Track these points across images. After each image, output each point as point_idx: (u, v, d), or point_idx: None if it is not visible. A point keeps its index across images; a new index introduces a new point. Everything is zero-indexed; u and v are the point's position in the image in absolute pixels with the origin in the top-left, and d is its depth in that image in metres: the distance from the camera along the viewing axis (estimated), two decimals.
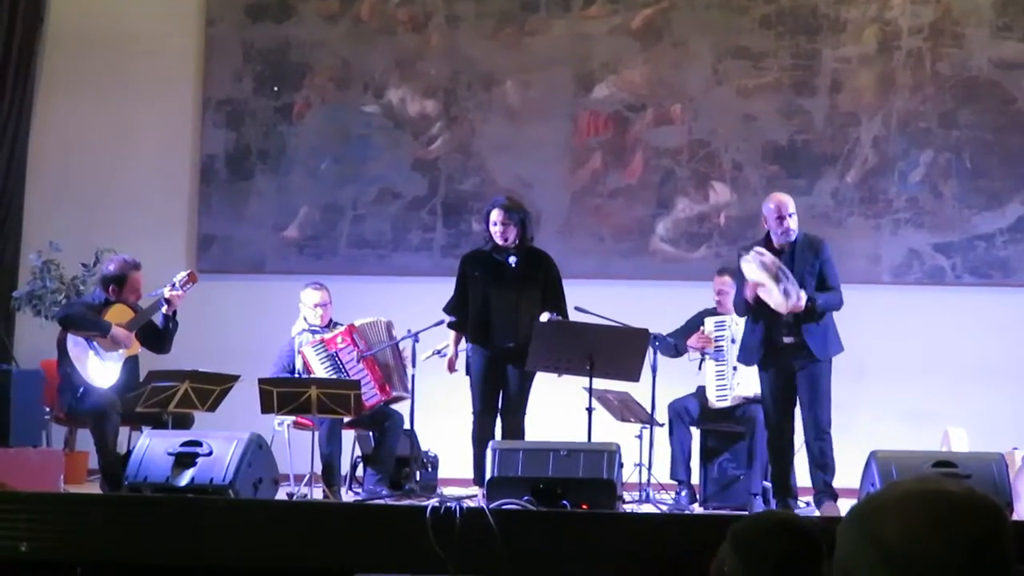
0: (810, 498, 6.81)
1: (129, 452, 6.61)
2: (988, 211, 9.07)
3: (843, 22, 9.22)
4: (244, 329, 8.88)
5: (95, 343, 7.32)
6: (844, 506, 6.52)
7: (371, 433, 7.60)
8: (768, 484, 6.98)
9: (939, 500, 1.60)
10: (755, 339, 6.73)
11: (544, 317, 6.95)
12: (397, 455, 7.47)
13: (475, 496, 6.45)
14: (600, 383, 6.92)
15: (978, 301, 8.97)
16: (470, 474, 7.04)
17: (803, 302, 6.50)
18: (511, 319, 7.01)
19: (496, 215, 7.07)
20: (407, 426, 7.43)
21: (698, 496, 7.33)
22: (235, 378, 6.89)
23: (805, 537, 2.60)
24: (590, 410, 6.78)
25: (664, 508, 6.89)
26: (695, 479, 7.37)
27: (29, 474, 6.55)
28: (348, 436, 7.65)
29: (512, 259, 7.09)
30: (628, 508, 6.46)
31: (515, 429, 6.99)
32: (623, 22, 9.32)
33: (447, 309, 7.24)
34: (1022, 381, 8.69)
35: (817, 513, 6.55)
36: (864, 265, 8.95)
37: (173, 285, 7.39)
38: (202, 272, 8.04)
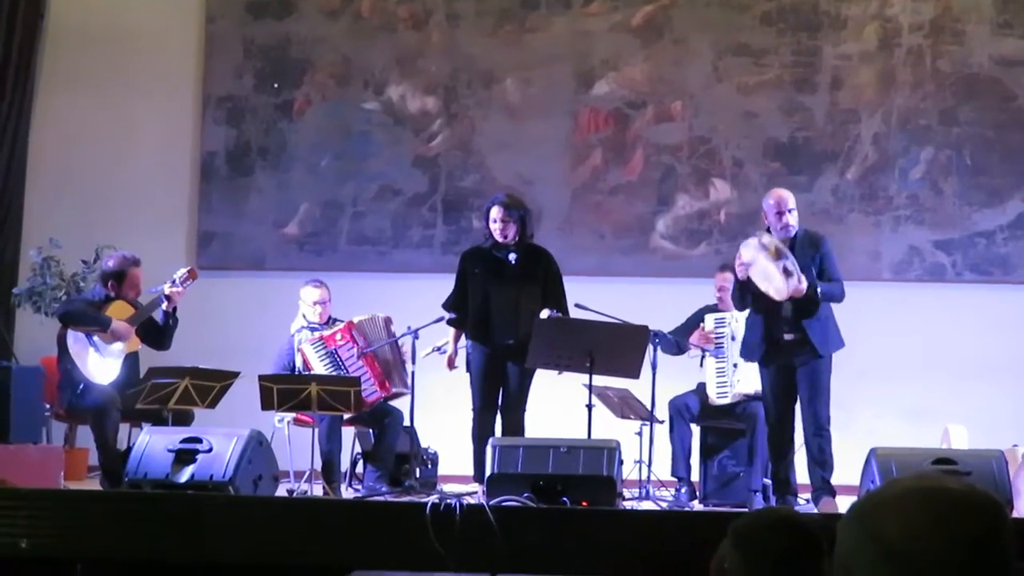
0: (810, 495, 6.80)
1: (129, 449, 6.60)
2: (988, 208, 9.07)
3: (844, 19, 9.21)
4: (244, 326, 8.88)
5: (95, 339, 7.32)
6: (842, 503, 6.52)
7: (371, 430, 7.60)
8: (768, 481, 6.98)
9: (939, 497, 1.60)
10: (756, 335, 6.73)
11: (544, 314, 6.94)
12: (397, 452, 7.47)
13: (475, 493, 6.44)
14: (600, 380, 6.91)
15: (978, 298, 8.97)
16: (470, 471, 7.04)
17: (804, 284, 6.49)
18: (511, 316, 7.01)
19: (496, 212, 7.07)
20: (407, 423, 7.42)
21: (698, 493, 7.32)
22: (235, 375, 6.90)
23: (805, 534, 2.60)
24: (590, 407, 6.77)
25: (664, 505, 6.89)
26: (695, 476, 7.37)
27: (29, 471, 6.55)
28: (348, 433, 7.65)
29: (512, 256, 7.09)
30: (628, 505, 6.45)
31: (515, 426, 6.99)
32: (623, 19, 9.32)
33: (447, 306, 7.24)
34: (1022, 378, 8.69)
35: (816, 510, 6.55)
36: (864, 262, 8.95)
37: (173, 282, 7.39)
38: (202, 269, 8.04)
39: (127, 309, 7.44)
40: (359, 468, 7.65)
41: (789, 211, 6.70)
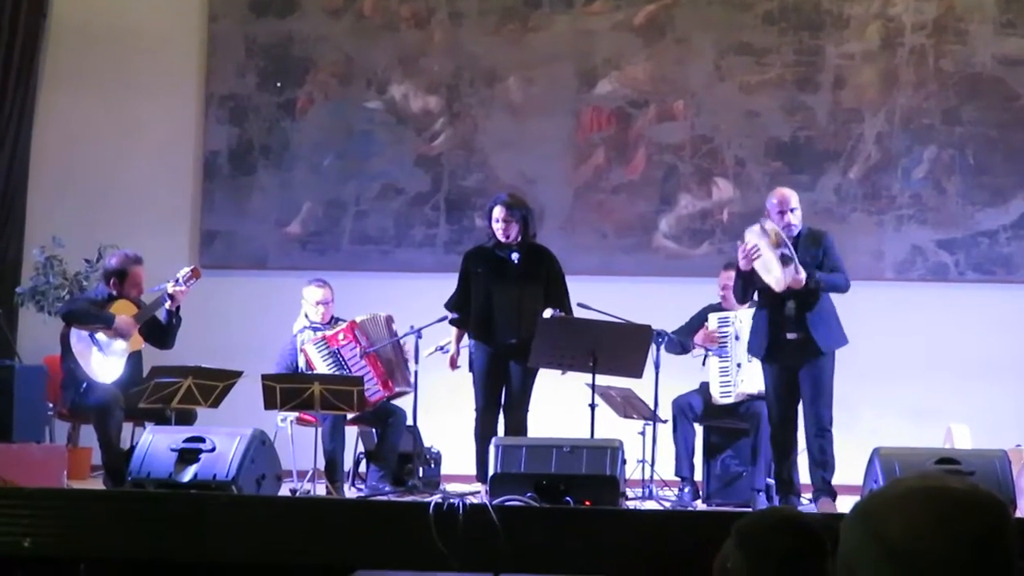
0: (811, 495, 6.80)
1: (132, 448, 6.61)
2: (991, 207, 9.06)
3: (846, 18, 9.21)
4: (247, 325, 8.88)
5: (98, 338, 7.32)
6: (844, 503, 6.51)
7: (374, 429, 7.61)
8: (771, 481, 6.98)
9: (942, 497, 1.60)
10: (760, 333, 6.73)
11: (547, 313, 6.94)
12: (400, 451, 7.47)
13: (478, 492, 6.45)
14: (603, 379, 6.92)
15: (981, 298, 8.96)
16: (473, 470, 7.03)
17: (802, 275, 6.49)
18: (513, 315, 7.00)
19: (498, 211, 7.06)
20: (410, 422, 7.43)
21: (701, 493, 7.32)
22: (238, 374, 6.90)
23: (809, 534, 2.59)
24: (593, 406, 6.76)
25: (667, 505, 6.89)
26: (698, 475, 7.36)
27: (32, 470, 6.55)
28: (351, 432, 7.65)
29: (514, 255, 7.08)
30: (631, 505, 6.46)
31: (518, 425, 6.98)
32: (626, 18, 9.32)
33: (449, 305, 7.23)
34: None
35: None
36: (867, 261, 8.94)
37: (176, 281, 7.39)
38: (205, 268, 8.04)
39: (130, 308, 7.45)
40: (362, 468, 7.66)
41: (792, 210, 6.70)
